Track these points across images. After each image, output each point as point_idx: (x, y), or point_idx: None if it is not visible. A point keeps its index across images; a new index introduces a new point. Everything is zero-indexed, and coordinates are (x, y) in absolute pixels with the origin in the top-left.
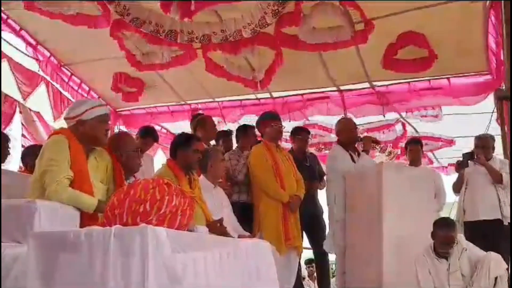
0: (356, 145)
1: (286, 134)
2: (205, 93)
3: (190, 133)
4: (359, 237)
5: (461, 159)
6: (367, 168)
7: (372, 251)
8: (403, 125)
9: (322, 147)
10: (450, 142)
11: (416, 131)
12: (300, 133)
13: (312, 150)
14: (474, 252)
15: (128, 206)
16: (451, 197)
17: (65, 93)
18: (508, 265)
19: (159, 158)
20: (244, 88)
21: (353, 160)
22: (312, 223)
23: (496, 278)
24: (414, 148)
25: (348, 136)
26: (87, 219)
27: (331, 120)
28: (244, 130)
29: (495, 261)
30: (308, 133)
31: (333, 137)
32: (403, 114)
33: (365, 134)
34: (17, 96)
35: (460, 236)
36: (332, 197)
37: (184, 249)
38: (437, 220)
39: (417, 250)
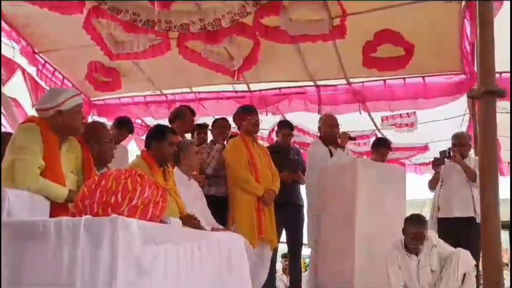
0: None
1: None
2: (183, 82)
3: (165, 125)
4: (333, 232)
5: (438, 156)
6: (342, 164)
7: (344, 246)
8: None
9: (297, 146)
10: (424, 149)
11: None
12: (284, 127)
13: None
14: (444, 248)
15: (99, 197)
16: (423, 195)
17: (40, 81)
18: (478, 262)
19: (132, 149)
20: (221, 78)
21: (331, 155)
22: (291, 216)
23: (464, 274)
24: (384, 152)
25: (329, 132)
26: (57, 209)
27: (308, 121)
28: (214, 122)
29: (463, 258)
30: (292, 127)
31: (309, 139)
32: (378, 123)
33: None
34: None
35: (431, 232)
36: (310, 191)
37: (155, 241)
38: (408, 217)
39: (388, 246)
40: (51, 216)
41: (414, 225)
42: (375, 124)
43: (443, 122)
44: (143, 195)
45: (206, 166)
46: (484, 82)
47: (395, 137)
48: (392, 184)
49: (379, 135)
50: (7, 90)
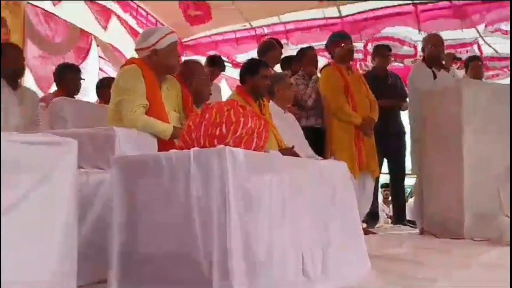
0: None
1: None
2: (271, 11)
3: (258, 59)
4: (439, 159)
5: None
6: (446, 87)
7: (452, 173)
8: (479, 47)
9: (393, 59)
10: None
11: (497, 52)
12: (380, 49)
13: None
14: None
15: (205, 130)
16: None
17: (135, 26)
18: None
19: (225, 88)
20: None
21: (435, 77)
22: (392, 144)
23: None
24: (476, 65)
25: (433, 52)
26: (164, 146)
27: (404, 33)
28: (302, 52)
29: None
30: (389, 49)
31: (406, 49)
32: (481, 29)
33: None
34: (94, 30)
35: None
36: (412, 116)
37: (260, 170)
38: None
39: (498, 170)
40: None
41: None
42: (477, 31)
43: None
44: (247, 126)
45: (307, 98)
46: None
47: (501, 45)
48: (503, 104)
49: (482, 43)
50: (106, 36)
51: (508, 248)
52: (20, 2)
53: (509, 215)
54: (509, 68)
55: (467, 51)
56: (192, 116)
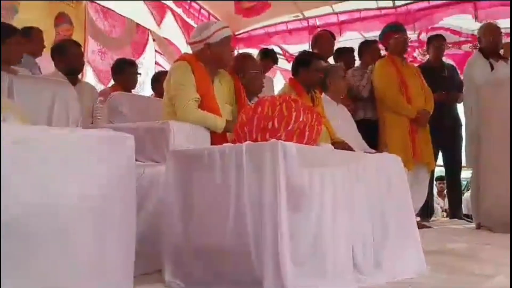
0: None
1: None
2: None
3: (311, 51)
4: (495, 150)
5: None
6: (504, 77)
7: (508, 165)
8: None
9: (450, 46)
10: None
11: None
12: (435, 40)
13: None
14: None
15: (257, 123)
16: None
17: (188, 19)
18: None
19: (278, 80)
20: None
21: (492, 68)
22: (448, 137)
23: None
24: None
25: (491, 42)
26: (217, 139)
27: (460, 23)
28: (367, 45)
29: None
30: (443, 39)
31: (462, 39)
32: None
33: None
34: (150, 25)
35: None
36: (469, 109)
37: (312, 164)
38: None
39: None
40: (212, 145)
41: None
42: None
43: None
44: (299, 119)
45: (362, 89)
46: None
47: None
48: None
49: None
50: (161, 31)
51: None
52: (81, 1)
53: None
54: None
55: None
56: (245, 109)
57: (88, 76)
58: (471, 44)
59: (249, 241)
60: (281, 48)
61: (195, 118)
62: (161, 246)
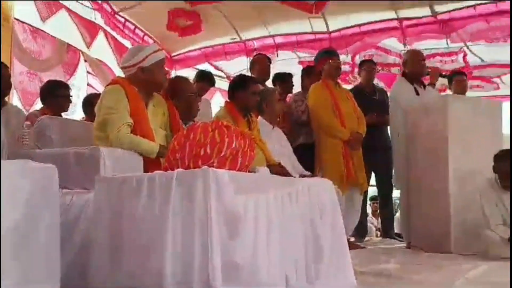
0: (422, 79)
1: None
2: (259, 20)
3: (246, 75)
4: (425, 172)
5: None
6: (432, 102)
7: (438, 187)
8: (464, 56)
9: (380, 68)
10: None
11: (482, 60)
12: (366, 64)
13: None
14: None
15: (189, 150)
16: None
17: (122, 40)
18: None
19: (216, 100)
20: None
21: (417, 93)
22: (380, 158)
23: None
24: (460, 79)
25: (415, 68)
26: (150, 165)
27: (388, 43)
28: (309, 71)
29: None
30: (374, 64)
31: (392, 58)
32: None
33: (432, 66)
34: (81, 45)
35: None
36: (396, 132)
37: (245, 190)
38: (497, 153)
39: (483, 183)
40: (145, 171)
41: (502, 161)
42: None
43: None
44: (231, 146)
45: (301, 114)
46: None
47: (487, 52)
48: (486, 119)
49: (467, 52)
50: (92, 52)
51: (495, 263)
52: (9, 19)
53: (493, 229)
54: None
55: (452, 61)
56: (177, 136)
57: (14, 98)
58: (399, 68)
59: (177, 270)
60: (220, 69)
61: (127, 143)
62: (89, 275)
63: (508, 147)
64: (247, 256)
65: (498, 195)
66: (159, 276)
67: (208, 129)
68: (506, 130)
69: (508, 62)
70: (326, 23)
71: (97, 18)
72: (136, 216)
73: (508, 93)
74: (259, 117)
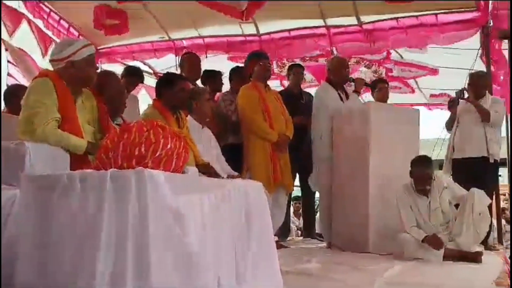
0: (346, 86)
1: None
2: (190, 24)
3: (174, 72)
4: (346, 177)
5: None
6: (355, 108)
7: (358, 190)
8: (388, 55)
9: (307, 58)
10: (434, 72)
11: (401, 57)
12: (294, 69)
13: None
14: (455, 190)
15: (123, 149)
16: (434, 134)
17: (46, 31)
18: (492, 203)
19: (143, 97)
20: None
21: (341, 100)
22: (304, 160)
23: (479, 214)
24: (382, 87)
25: (339, 75)
26: (77, 161)
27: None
28: (237, 71)
29: (478, 197)
30: (302, 68)
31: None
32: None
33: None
34: (3, 33)
35: (441, 174)
36: (319, 135)
37: (181, 191)
38: (414, 159)
39: (400, 188)
40: (72, 168)
41: (418, 166)
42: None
43: (455, 51)
44: (166, 147)
45: (231, 114)
46: None
47: (406, 54)
48: (405, 126)
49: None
50: (14, 41)
51: (410, 263)
52: None
53: (408, 231)
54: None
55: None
56: (109, 135)
57: None
58: (326, 58)
59: (110, 271)
60: (147, 65)
61: (55, 138)
62: (15, 278)
63: (424, 152)
64: (184, 255)
65: (413, 199)
66: (91, 277)
67: (143, 129)
68: (422, 136)
69: (425, 65)
70: (257, 27)
71: (21, 6)
72: (68, 216)
73: (423, 101)
74: (189, 116)
